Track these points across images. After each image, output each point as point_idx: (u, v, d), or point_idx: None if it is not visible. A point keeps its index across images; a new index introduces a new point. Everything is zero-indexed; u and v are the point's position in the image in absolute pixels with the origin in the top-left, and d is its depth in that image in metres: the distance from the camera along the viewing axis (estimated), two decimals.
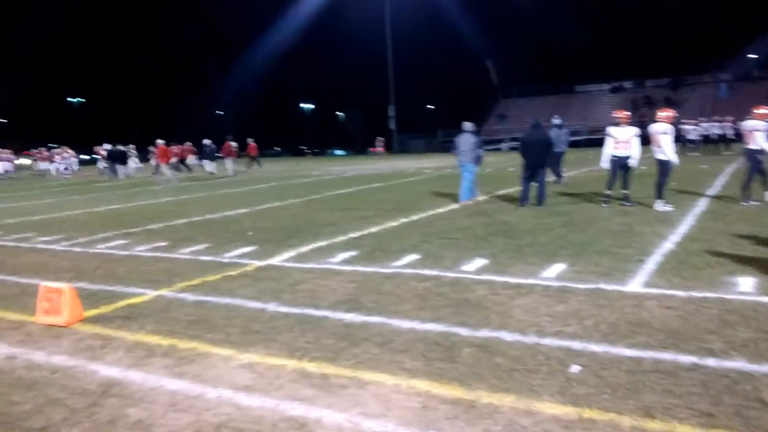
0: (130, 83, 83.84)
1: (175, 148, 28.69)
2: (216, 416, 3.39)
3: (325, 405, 3.47)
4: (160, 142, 25.62)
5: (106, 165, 32.33)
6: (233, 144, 29.56)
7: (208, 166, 28.52)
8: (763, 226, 8.41)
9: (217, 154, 29.44)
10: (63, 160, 36.52)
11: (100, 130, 57.76)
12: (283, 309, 5.35)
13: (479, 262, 6.85)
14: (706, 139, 29.31)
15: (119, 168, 30.85)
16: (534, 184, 11.81)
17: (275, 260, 7.47)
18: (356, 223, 10.28)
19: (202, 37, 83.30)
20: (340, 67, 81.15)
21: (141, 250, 8.60)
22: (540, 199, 11.68)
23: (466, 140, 12.74)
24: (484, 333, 4.54)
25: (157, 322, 5.13)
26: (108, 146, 32.50)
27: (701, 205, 10.86)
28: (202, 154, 29.32)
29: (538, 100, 63.56)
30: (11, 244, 9.71)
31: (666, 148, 10.45)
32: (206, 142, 29.00)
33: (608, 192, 11.16)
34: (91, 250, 8.77)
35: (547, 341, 4.31)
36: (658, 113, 10.89)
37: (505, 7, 70.99)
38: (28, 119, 73.47)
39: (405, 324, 4.81)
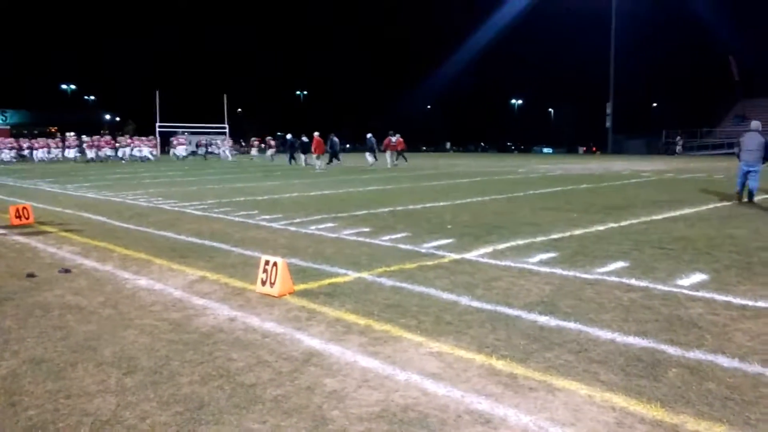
0: (348, 78, 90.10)
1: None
2: (403, 398, 3.47)
3: (511, 404, 3.37)
4: (316, 134, 30.20)
5: (274, 153, 38.91)
6: (393, 139, 31.87)
7: (369, 157, 31.69)
8: None
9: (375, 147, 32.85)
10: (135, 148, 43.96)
11: (320, 121, 62.85)
12: (476, 304, 5.32)
13: (697, 277, 6.16)
14: None
15: (299, 156, 34.47)
16: None
17: (471, 255, 7.47)
18: (559, 224, 9.87)
19: (415, 33, 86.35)
20: (554, 59, 78.20)
21: (346, 233, 9.16)
22: None
23: (752, 139, 11.66)
24: (695, 354, 4.07)
25: (356, 302, 5.41)
26: (288, 136, 36.60)
27: None
28: (366, 147, 33.02)
29: None
30: (239, 219, 10.95)
31: None
32: (368, 136, 32.86)
33: None
34: (304, 230, 9.55)
35: None
36: None
37: None
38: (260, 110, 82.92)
39: (604, 334, 4.50)
